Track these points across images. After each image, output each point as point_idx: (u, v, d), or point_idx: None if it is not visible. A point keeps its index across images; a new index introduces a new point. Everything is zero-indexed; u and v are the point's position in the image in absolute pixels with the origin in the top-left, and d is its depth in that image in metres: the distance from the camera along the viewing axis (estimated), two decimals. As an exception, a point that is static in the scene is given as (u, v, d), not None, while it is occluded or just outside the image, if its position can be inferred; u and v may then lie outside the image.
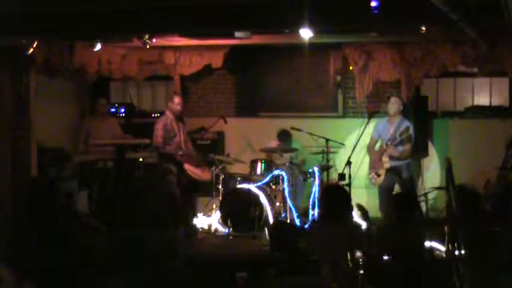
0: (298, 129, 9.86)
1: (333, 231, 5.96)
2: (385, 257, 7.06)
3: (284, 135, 9.95)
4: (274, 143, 9.81)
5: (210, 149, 10.00)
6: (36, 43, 8.21)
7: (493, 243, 5.75)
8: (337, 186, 6.46)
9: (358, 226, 6.72)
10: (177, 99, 9.23)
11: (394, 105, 8.69)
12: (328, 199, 6.16)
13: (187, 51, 10.17)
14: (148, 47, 8.77)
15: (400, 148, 8.49)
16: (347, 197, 6.30)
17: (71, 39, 8.94)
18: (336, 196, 6.13)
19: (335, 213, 6.00)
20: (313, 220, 8.68)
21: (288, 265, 7.33)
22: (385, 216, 8.60)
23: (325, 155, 9.36)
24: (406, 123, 8.60)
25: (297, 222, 8.85)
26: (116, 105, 10.74)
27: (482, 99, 10.22)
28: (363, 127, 8.69)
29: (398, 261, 6.25)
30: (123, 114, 10.66)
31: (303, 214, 9.08)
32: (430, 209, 9.43)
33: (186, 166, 9.07)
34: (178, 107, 9.16)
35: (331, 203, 6.06)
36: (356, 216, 8.99)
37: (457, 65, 9.58)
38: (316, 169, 9.26)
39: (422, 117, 9.63)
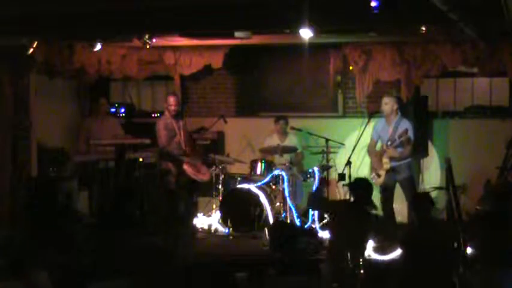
0: (298, 129, 9.87)
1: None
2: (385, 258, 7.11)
3: (282, 119, 9.88)
4: (271, 140, 9.80)
5: (210, 149, 9.99)
6: (36, 43, 8.21)
7: None
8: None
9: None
10: (171, 99, 9.25)
11: (387, 105, 8.65)
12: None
13: (187, 51, 10.17)
14: (148, 47, 8.78)
15: (399, 150, 8.49)
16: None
17: (71, 39, 8.94)
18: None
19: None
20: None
21: (288, 265, 7.34)
22: (386, 216, 8.61)
23: (325, 155, 9.36)
24: (405, 124, 8.58)
25: (297, 222, 8.85)
26: (116, 105, 10.73)
27: (482, 99, 10.21)
28: (363, 127, 8.68)
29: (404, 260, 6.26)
30: (123, 114, 10.66)
31: (303, 214, 9.07)
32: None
33: (185, 166, 9.07)
34: (173, 107, 9.19)
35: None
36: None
37: (457, 65, 9.58)
38: (316, 169, 9.26)
39: (422, 117, 9.62)
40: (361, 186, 6.79)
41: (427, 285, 5.84)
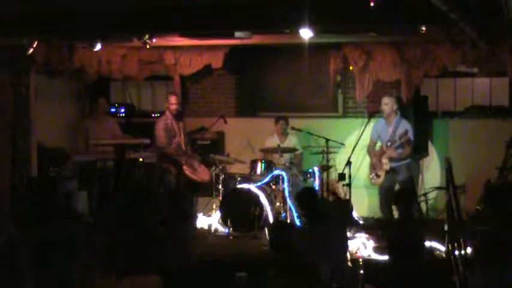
0: (298, 129, 9.87)
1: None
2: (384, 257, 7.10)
3: (282, 119, 9.90)
4: (272, 140, 9.81)
5: (210, 149, 10.00)
6: (36, 43, 8.21)
7: None
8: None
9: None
10: (172, 99, 9.28)
11: (387, 105, 8.68)
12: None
13: (187, 51, 10.17)
14: (148, 47, 8.77)
15: (399, 150, 8.50)
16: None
17: (71, 39, 8.94)
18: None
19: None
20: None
21: (288, 265, 7.33)
22: (385, 216, 8.62)
23: (325, 155, 9.36)
24: (405, 125, 8.59)
25: (297, 222, 8.85)
26: (116, 105, 10.74)
27: (482, 99, 10.21)
28: (363, 127, 8.69)
29: (398, 260, 6.30)
30: (123, 114, 10.66)
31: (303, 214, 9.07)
32: (430, 209, 9.45)
33: (185, 167, 9.06)
34: (174, 106, 9.23)
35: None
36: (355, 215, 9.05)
37: (457, 65, 9.58)
38: (316, 169, 9.26)
39: (422, 117, 9.63)
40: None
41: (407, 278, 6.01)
